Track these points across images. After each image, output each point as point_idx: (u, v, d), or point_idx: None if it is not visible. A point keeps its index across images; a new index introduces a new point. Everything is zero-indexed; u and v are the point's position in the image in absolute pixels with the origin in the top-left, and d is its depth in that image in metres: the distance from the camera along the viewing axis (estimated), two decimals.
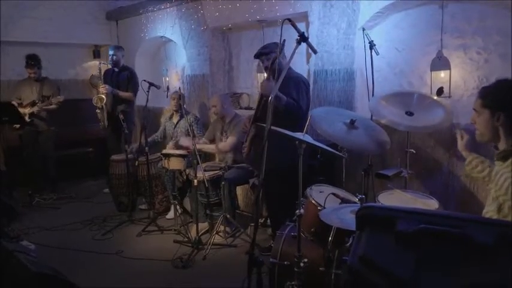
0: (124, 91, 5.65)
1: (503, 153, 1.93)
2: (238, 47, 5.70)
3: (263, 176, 2.13)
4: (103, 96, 5.48)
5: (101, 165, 6.07)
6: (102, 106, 5.50)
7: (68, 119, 6.62)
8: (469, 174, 2.53)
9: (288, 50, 3.35)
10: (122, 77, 5.72)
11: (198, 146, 4.48)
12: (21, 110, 5.60)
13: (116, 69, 5.74)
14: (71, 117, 6.69)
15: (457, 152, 3.40)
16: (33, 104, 5.61)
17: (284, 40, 3.09)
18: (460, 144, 2.53)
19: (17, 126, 5.53)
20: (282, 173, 3.32)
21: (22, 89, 5.73)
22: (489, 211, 1.99)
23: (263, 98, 3.47)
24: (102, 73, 5.67)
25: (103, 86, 5.48)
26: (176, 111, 5.13)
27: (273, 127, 2.23)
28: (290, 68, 3.67)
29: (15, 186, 5.59)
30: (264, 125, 2.16)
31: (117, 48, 5.80)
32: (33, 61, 5.63)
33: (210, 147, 4.69)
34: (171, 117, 5.26)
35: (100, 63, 5.72)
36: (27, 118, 5.60)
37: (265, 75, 3.67)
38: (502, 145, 1.96)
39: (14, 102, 5.65)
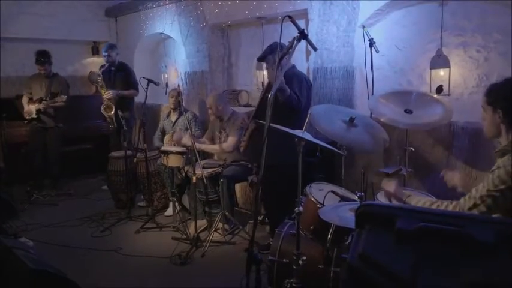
0: (124, 89, 5.64)
1: (503, 150, 1.95)
2: (237, 44, 5.69)
3: (262, 173, 2.12)
4: (111, 104, 5.42)
5: (99, 162, 6.06)
6: (112, 115, 5.46)
7: (66, 116, 6.59)
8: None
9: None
10: (119, 75, 5.70)
11: (200, 147, 4.48)
12: (30, 105, 5.61)
13: (113, 68, 5.71)
14: (69, 114, 6.66)
15: (456, 150, 3.42)
16: (40, 100, 5.59)
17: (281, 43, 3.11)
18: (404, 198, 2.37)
19: (25, 121, 5.54)
20: (281, 170, 3.32)
21: (32, 84, 5.71)
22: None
23: (265, 93, 3.50)
24: (101, 76, 5.63)
25: (107, 92, 5.44)
26: (175, 108, 5.11)
27: (272, 124, 2.22)
28: (294, 67, 3.71)
29: (14, 182, 5.57)
30: (264, 122, 2.16)
31: (110, 47, 5.73)
32: (43, 57, 5.58)
33: (212, 148, 4.67)
34: (168, 115, 5.24)
35: (100, 68, 5.68)
36: (34, 114, 5.59)
37: (265, 72, 3.70)
38: (503, 141, 1.98)
39: (25, 97, 5.68)
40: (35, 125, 5.65)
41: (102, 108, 5.47)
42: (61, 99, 5.50)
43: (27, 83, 5.78)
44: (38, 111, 5.56)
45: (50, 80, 5.71)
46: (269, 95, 2.14)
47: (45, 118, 5.67)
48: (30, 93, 5.67)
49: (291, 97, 3.32)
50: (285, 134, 2.42)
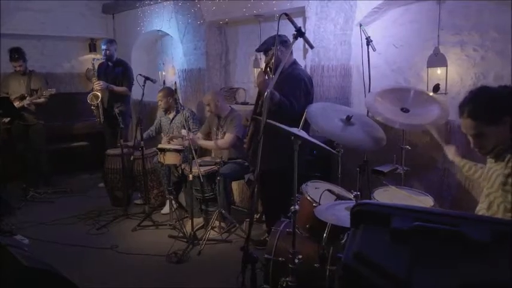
0: (119, 85, 5.61)
1: (497, 151, 1.94)
2: (235, 41, 5.68)
3: (258, 171, 2.12)
4: (98, 93, 5.41)
5: (96, 160, 6.04)
6: (97, 104, 5.45)
7: (63, 113, 6.59)
8: (467, 176, 2.57)
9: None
10: (116, 71, 5.67)
11: (198, 142, 4.46)
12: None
13: (110, 64, 5.69)
14: (66, 111, 6.66)
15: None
16: (22, 97, 5.53)
17: (286, 36, 3.06)
18: (450, 153, 2.56)
19: (6, 120, 5.44)
20: (280, 173, 3.30)
21: (10, 83, 5.64)
22: (481, 208, 2.00)
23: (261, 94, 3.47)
24: (96, 68, 5.61)
25: (97, 82, 5.42)
26: (167, 109, 5.08)
27: (269, 120, 2.21)
28: (294, 64, 3.61)
29: (8, 180, 5.54)
30: (260, 118, 2.15)
31: (110, 41, 5.72)
32: (17, 54, 5.52)
33: (208, 144, 4.66)
34: (165, 113, 5.22)
35: (94, 59, 5.66)
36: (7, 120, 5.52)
37: (256, 71, 3.65)
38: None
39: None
40: (16, 123, 5.59)
41: (88, 98, 5.45)
42: (49, 92, 5.45)
43: (3, 82, 5.68)
44: (21, 108, 5.50)
45: (28, 77, 5.65)
46: (265, 94, 2.14)
47: (27, 115, 5.62)
48: (7, 93, 5.58)
49: (281, 103, 3.23)
50: (282, 137, 2.38)
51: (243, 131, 4.31)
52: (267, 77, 3.31)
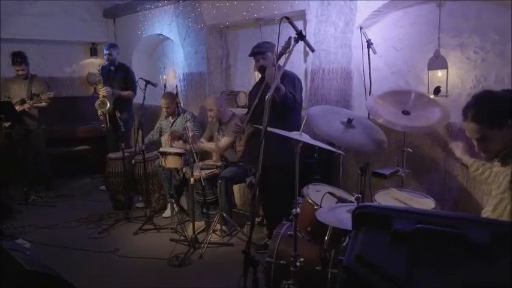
0: (123, 89, 5.62)
1: (503, 155, 1.94)
2: (235, 45, 5.69)
3: (259, 174, 2.12)
4: (106, 100, 5.40)
5: (97, 163, 6.05)
6: (105, 111, 5.43)
7: (65, 117, 6.61)
8: (474, 176, 2.55)
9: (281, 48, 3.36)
10: (118, 76, 5.69)
11: (199, 145, 4.47)
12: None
13: (112, 68, 5.70)
14: (68, 115, 6.68)
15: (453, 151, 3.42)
16: (22, 102, 5.51)
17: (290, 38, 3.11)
18: (458, 151, 2.55)
19: (7, 124, 5.43)
20: (280, 171, 3.31)
21: (11, 87, 5.63)
22: (487, 211, 2.00)
23: (261, 95, 3.51)
24: (100, 73, 5.61)
25: (104, 88, 5.41)
26: (171, 114, 5.09)
27: (269, 128, 2.22)
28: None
29: (9, 184, 5.54)
30: (261, 126, 2.15)
31: (112, 46, 5.74)
32: (19, 58, 5.50)
33: (210, 146, 4.66)
34: (167, 116, 5.23)
35: (99, 66, 5.66)
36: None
37: (256, 74, 3.72)
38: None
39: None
40: (17, 128, 5.58)
41: (96, 104, 5.45)
42: (48, 96, 5.43)
43: (5, 86, 5.66)
44: (21, 112, 5.50)
45: (29, 81, 5.63)
46: (266, 96, 2.14)
47: (28, 120, 5.61)
48: (9, 97, 5.57)
49: (286, 96, 3.36)
50: (283, 136, 2.41)
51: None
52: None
